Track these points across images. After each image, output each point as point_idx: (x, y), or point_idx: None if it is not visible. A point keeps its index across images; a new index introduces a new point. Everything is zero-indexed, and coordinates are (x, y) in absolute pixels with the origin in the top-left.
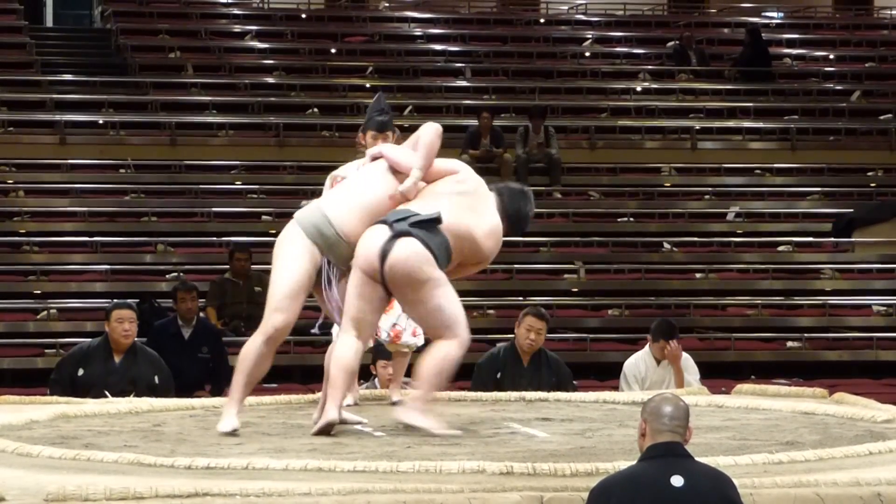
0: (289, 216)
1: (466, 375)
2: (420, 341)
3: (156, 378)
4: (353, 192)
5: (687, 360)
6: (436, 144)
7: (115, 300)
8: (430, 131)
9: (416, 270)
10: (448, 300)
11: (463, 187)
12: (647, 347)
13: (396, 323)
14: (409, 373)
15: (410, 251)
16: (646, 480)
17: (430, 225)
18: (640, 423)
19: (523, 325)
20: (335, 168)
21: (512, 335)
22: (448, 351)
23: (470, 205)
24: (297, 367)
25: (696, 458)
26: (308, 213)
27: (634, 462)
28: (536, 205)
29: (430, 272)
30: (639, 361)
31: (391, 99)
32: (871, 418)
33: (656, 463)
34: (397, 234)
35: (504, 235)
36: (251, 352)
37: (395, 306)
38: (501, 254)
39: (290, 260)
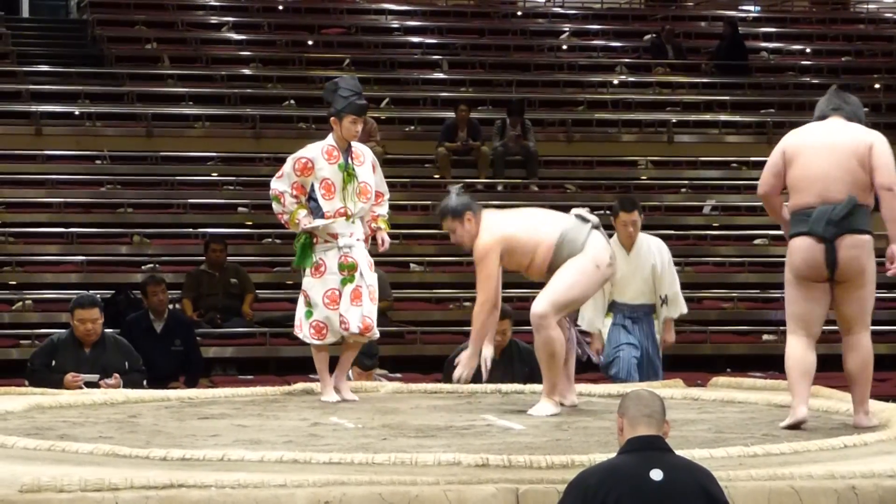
0: (265, 208)
1: (439, 368)
2: (377, 334)
3: (125, 363)
4: None
5: (661, 246)
6: None
7: (77, 296)
8: None
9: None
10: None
11: None
12: (615, 236)
13: (367, 315)
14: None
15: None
16: (624, 473)
17: None
18: (618, 419)
19: None
20: None
21: None
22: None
23: None
24: (273, 360)
25: (675, 451)
26: None
27: (612, 455)
28: (514, 197)
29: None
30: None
31: (368, 91)
32: (847, 412)
33: (636, 456)
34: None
35: None
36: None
37: (365, 299)
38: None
39: None
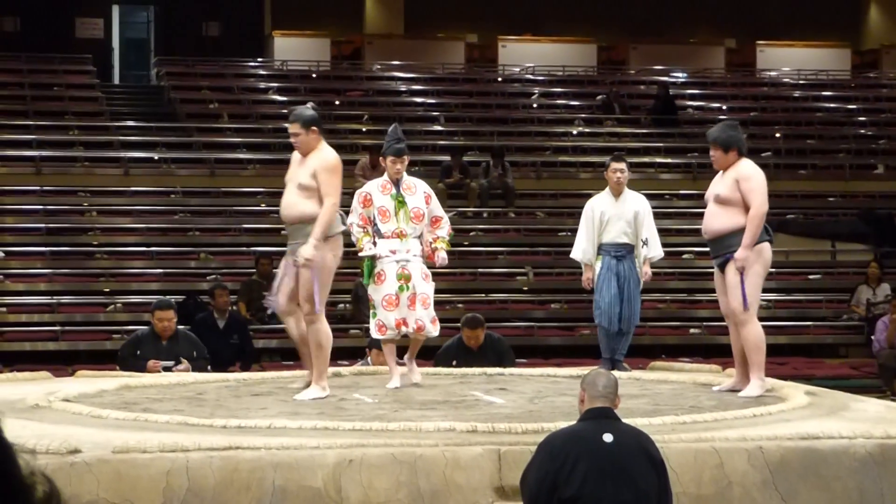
0: None
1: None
2: (433, 332)
3: (194, 353)
4: None
5: (643, 199)
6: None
7: (157, 299)
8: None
9: None
10: None
11: None
12: (607, 187)
13: (419, 318)
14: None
15: None
16: (583, 436)
17: None
18: (580, 391)
19: (464, 333)
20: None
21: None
22: None
23: None
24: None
25: (622, 420)
26: None
27: (573, 422)
28: (495, 222)
29: None
30: (599, 199)
31: (382, 140)
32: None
33: (592, 423)
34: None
35: None
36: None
37: (418, 305)
38: (468, 260)
39: None
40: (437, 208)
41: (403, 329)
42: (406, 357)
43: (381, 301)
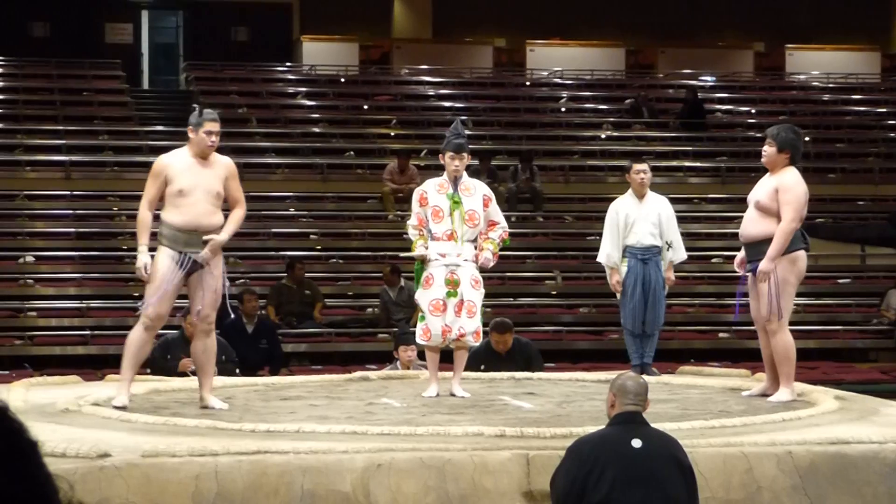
0: (331, 236)
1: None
2: (472, 342)
3: (223, 357)
4: None
5: (666, 202)
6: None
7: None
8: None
9: None
10: None
11: None
12: (629, 190)
13: (462, 326)
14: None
15: None
16: (612, 441)
17: None
18: (609, 395)
19: (492, 338)
20: (367, 198)
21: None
22: None
23: None
24: (337, 353)
25: (651, 425)
26: None
27: (602, 427)
28: (523, 227)
29: None
30: (622, 202)
31: (410, 145)
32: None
33: (621, 428)
34: None
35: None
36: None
37: (464, 313)
38: (496, 264)
39: None
40: (495, 213)
41: (448, 336)
42: (452, 381)
43: (427, 306)
